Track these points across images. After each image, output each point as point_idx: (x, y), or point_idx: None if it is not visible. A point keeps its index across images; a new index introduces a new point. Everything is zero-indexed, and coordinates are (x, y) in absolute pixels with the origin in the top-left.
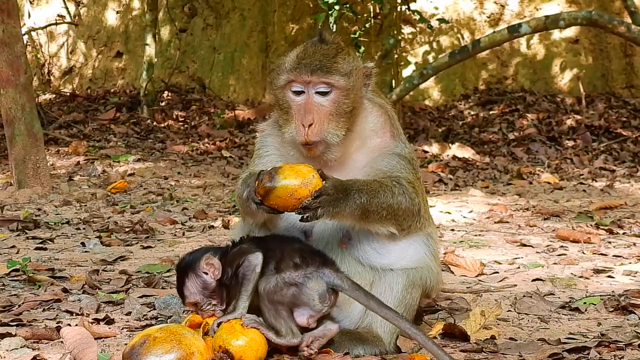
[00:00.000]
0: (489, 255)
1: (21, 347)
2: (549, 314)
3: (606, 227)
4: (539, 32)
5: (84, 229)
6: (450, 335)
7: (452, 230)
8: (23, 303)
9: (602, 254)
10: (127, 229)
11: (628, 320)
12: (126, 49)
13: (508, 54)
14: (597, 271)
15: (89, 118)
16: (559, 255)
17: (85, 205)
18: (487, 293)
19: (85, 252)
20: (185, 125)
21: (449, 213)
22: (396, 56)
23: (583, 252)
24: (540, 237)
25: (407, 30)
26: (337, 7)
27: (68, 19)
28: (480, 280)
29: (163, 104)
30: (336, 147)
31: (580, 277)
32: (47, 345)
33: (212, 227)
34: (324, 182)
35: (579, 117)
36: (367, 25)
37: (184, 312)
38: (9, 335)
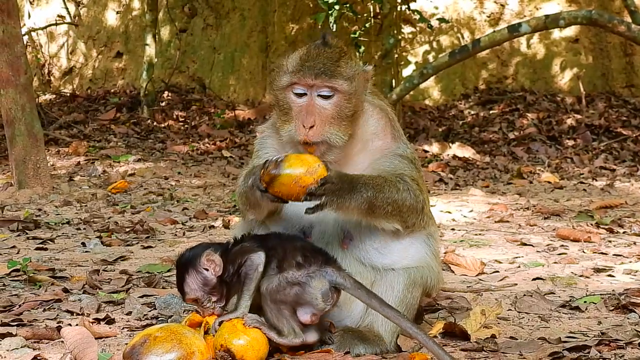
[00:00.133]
0: (490, 255)
1: (22, 347)
2: (550, 313)
3: (606, 226)
4: (539, 31)
5: (84, 229)
6: (451, 334)
7: (453, 229)
8: (24, 303)
9: (602, 253)
10: (127, 229)
11: (628, 319)
12: (126, 49)
13: (508, 53)
14: (598, 270)
15: (89, 118)
16: (560, 254)
17: (86, 206)
18: (488, 292)
19: (86, 252)
20: (186, 126)
21: (449, 212)
22: (396, 56)
23: (583, 251)
24: (540, 236)
25: (407, 29)
26: (337, 7)
27: (68, 20)
28: (480, 280)
29: (163, 104)
30: (338, 149)
31: (581, 276)
32: (47, 345)
33: (212, 227)
34: (328, 172)
35: (579, 116)
36: (367, 25)
37: (184, 311)
38: (10, 335)
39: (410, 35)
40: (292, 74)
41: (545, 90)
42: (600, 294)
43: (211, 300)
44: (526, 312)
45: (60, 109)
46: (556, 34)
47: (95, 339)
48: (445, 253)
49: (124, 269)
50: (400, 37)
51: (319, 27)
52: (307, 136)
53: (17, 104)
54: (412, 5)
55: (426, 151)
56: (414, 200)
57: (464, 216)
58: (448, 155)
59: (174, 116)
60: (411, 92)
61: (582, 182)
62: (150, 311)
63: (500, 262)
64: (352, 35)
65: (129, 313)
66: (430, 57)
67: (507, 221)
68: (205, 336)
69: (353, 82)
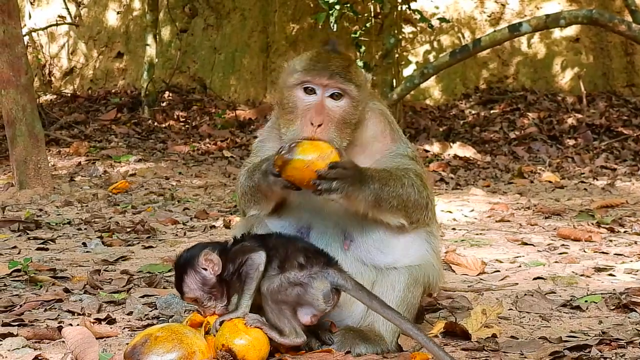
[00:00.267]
0: (490, 254)
1: (23, 347)
2: (550, 312)
3: (607, 226)
4: (539, 31)
5: (85, 229)
6: (452, 333)
7: (454, 229)
8: (25, 303)
9: (603, 253)
10: (128, 229)
11: (629, 318)
12: (127, 49)
13: (509, 53)
14: (598, 269)
15: (90, 119)
16: (560, 253)
17: (87, 206)
18: (489, 292)
19: (87, 252)
20: (187, 126)
21: (450, 212)
22: (397, 55)
23: (584, 251)
24: (541, 235)
25: (407, 29)
26: (337, 7)
27: (69, 20)
28: (481, 279)
29: (164, 104)
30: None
31: (582, 275)
32: (48, 345)
33: (213, 227)
34: (341, 158)
35: (580, 115)
36: (367, 24)
37: (185, 311)
38: (11, 335)
39: (410, 35)
40: (304, 72)
41: (546, 89)
42: (601, 294)
43: (211, 299)
44: (527, 312)
45: (61, 110)
46: (557, 33)
47: (96, 339)
48: (446, 252)
49: (125, 269)
50: (400, 36)
51: (320, 27)
52: (315, 133)
53: (18, 105)
54: (413, 5)
55: (427, 151)
56: (418, 196)
57: (465, 216)
58: (449, 154)
59: (175, 116)
60: (412, 92)
61: (583, 182)
62: (151, 311)
63: (501, 262)
64: (353, 35)
65: (130, 313)
66: (431, 57)
67: (508, 221)
68: (206, 336)
69: (360, 89)
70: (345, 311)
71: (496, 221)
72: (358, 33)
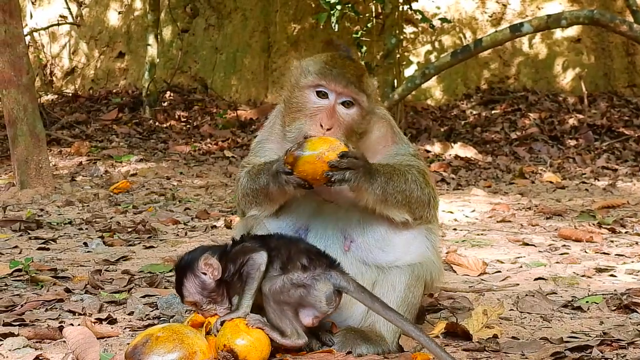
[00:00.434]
0: (492, 255)
1: (24, 347)
2: (552, 313)
3: (608, 226)
4: (540, 31)
5: (86, 229)
6: (453, 334)
7: (455, 229)
8: (26, 303)
9: (604, 253)
10: (129, 229)
11: (630, 319)
12: (128, 49)
13: (510, 53)
14: (600, 270)
15: (91, 118)
16: (562, 254)
17: (88, 206)
18: (490, 292)
19: (88, 252)
20: (188, 126)
21: (451, 212)
22: (398, 56)
23: (585, 251)
24: (542, 236)
25: (409, 29)
26: (339, 7)
27: (70, 20)
28: (482, 280)
29: (165, 104)
30: None
31: (583, 276)
32: (49, 344)
33: (214, 227)
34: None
35: (581, 116)
36: (369, 25)
37: (186, 311)
38: (12, 335)
39: (412, 35)
40: (319, 76)
41: (547, 90)
42: (603, 294)
43: (210, 303)
44: (528, 312)
45: (62, 109)
46: (558, 33)
47: (97, 339)
48: (447, 253)
49: (126, 269)
50: (402, 37)
51: (321, 27)
52: (325, 135)
53: (19, 104)
54: (414, 5)
55: (428, 151)
56: (421, 192)
57: (466, 216)
58: (450, 155)
59: (176, 116)
60: (413, 92)
61: (584, 182)
62: (152, 311)
63: (502, 262)
64: (354, 35)
65: (131, 313)
66: (432, 57)
67: (509, 221)
68: (207, 336)
69: (371, 99)
70: (346, 312)
71: (497, 222)
72: (359, 33)
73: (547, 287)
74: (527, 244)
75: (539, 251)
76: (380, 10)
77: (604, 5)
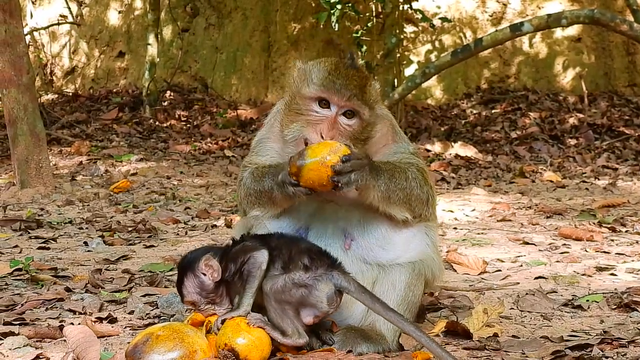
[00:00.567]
0: (492, 254)
1: (24, 346)
2: (552, 312)
3: (609, 225)
4: (541, 30)
5: (86, 228)
6: (453, 333)
7: (455, 228)
8: (26, 302)
9: (604, 252)
10: (129, 228)
11: (631, 317)
12: (128, 48)
13: (510, 52)
14: (600, 269)
15: (91, 118)
16: (562, 253)
17: (88, 205)
18: (490, 291)
19: (88, 251)
20: (188, 125)
21: (451, 211)
22: (398, 55)
23: (586, 250)
24: (542, 235)
25: (409, 29)
26: (339, 6)
27: (70, 19)
28: (482, 278)
29: (165, 103)
30: None
31: (583, 274)
32: (50, 344)
33: (214, 226)
34: (351, 151)
35: (581, 115)
36: (369, 24)
37: (186, 310)
38: (12, 334)
39: (412, 35)
40: (321, 88)
41: (547, 89)
42: (603, 293)
43: (208, 304)
44: (528, 311)
45: (62, 109)
46: (558, 33)
47: (98, 337)
48: (447, 252)
49: (126, 268)
50: (402, 36)
51: (321, 26)
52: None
53: (19, 104)
54: (415, 5)
55: (428, 150)
56: (420, 190)
57: (467, 215)
58: (450, 154)
59: (176, 116)
60: (413, 92)
61: (584, 181)
62: (152, 310)
63: (502, 261)
64: (355, 35)
65: (132, 312)
66: (433, 57)
67: (510, 220)
68: (207, 335)
69: (372, 110)
70: (346, 311)
71: (497, 221)
72: (359, 32)
73: (548, 285)
74: (527, 243)
75: (540, 250)
76: (380, 10)
77: (604, 4)
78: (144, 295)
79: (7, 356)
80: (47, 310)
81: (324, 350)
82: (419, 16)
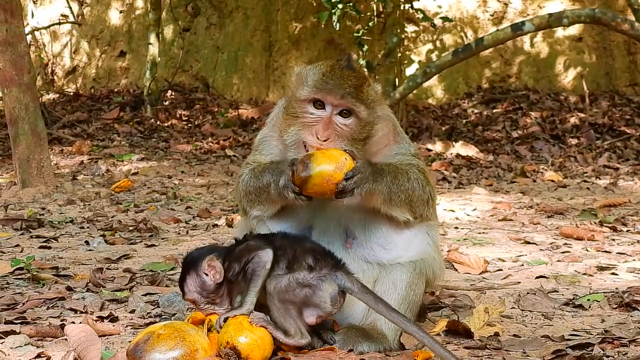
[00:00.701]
0: (493, 253)
1: (25, 345)
2: (553, 311)
3: (610, 225)
4: (542, 30)
5: (87, 227)
6: (454, 332)
7: (456, 228)
8: (27, 301)
9: (605, 252)
10: (131, 228)
11: (632, 317)
12: (129, 48)
13: (511, 52)
14: (601, 268)
15: (92, 117)
16: (563, 252)
17: (89, 204)
18: (491, 290)
19: (89, 250)
20: (189, 125)
21: (452, 211)
22: (399, 55)
23: (587, 250)
24: (544, 234)
25: (410, 28)
26: (340, 6)
27: (71, 19)
28: (483, 278)
29: (166, 103)
30: None
31: (584, 274)
32: (51, 342)
33: (215, 225)
34: (355, 162)
35: (582, 115)
36: (370, 23)
37: (187, 309)
38: (14, 332)
39: (413, 34)
40: (315, 89)
41: (548, 89)
42: (604, 292)
43: (208, 303)
44: (529, 310)
45: (63, 108)
46: (559, 32)
47: (99, 336)
48: (448, 251)
49: (127, 268)
50: (403, 36)
51: (322, 25)
52: (322, 145)
53: (20, 103)
54: (416, 4)
55: (429, 150)
56: (422, 190)
57: (468, 215)
58: (451, 154)
59: (178, 115)
60: (414, 91)
61: (585, 181)
62: (153, 309)
63: (503, 261)
64: (356, 34)
65: (133, 311)
66: (434, 56)
67: (511, 219)
68: (208, 334)
69: (370, 109)
70: (348, 310)
71: (499, 220)
72: (361, 32)
73: (549, 285)
74: (528, 243)
75: (541, 249)
76: (381, 9)
77: (605, 4)
78: (145, 294)
79: (8, 355)
80: (48, 309)
81: (325, 350)
82: (420, 16)
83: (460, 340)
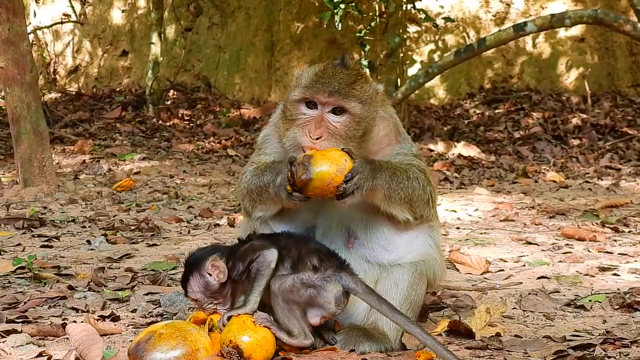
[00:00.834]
0: (495, 253)
1: (27, 344)
2: (554, 312)
3: (612, 226)
4: (544, 30)
5: (89, 227)
6: (456, 332)
7: (458, 228)
8: (29, 300)
9: (607, 252)
10: (132, 227)
11: (633, 317)
12: (132, 47)
13: (514, 52)
14: (603, 269)
15: (94, 117)
16: (565, 253)
17: (91, 204)
18: (493, 291)
19: (91, 249)
20: (191, 124)
21: (454, 211)
22: (402, 55)
23: (588, 250)
24: (545, 235)
25: (412, 29)
26: (342, 6)
27: (74, 18)
28: (485, 278)
29: (168, 102)
30: None
31: (586, 274)
32: (52, 341)
33: (217, 225)
34: (353, 161)
35: (584, 115)
36: (372, 24)
37: (189, 309)
38: (15, 331)
39: (415, 34)
40: (305, 89)
41: (550, 89)
42: (606, 293)
43: (211, 303)
44: (531, 311)
45: (65, 108)
46: (562, 33)
47: (101, 336)
48: (450, 251)
49: (129, 267)
50: (405, 36)
51: (325, 25)
52: (315, 144)
53: (22, 102)
54: (418, 4)
55: (431, 150)
56: (422, 190)
57: (469, 215)
58: (453, 154)
59: (179, 115)
60: (416, 91)
61: (587, 182)
62: (155, 308)
63: (505, 261)
64: (358, 34)
65: (134, 310)
66: (436, 56)
67: (512, 220)
68: (209, 333)
69: (365, 105)
70: (349, 310)
71: (500, 220)
72: (363, 32)
73: (550, 285)
74: (530, 243)
75: (542, 250)
76: (383, 9)
77: (607, 4)
78: (146, 294)
79: (10, 354)
80: (49, 308)
81: (326, 350)
82: (422, 16)
83: (462, 341)
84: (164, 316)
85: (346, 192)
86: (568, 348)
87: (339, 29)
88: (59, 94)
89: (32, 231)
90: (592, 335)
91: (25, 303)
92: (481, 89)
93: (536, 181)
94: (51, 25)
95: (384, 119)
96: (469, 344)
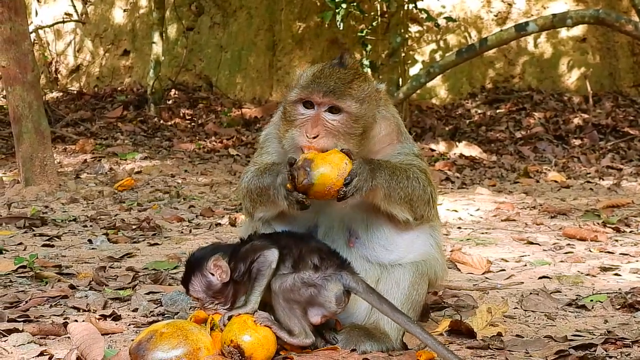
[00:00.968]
0: (496, 253)
1: (28, 343)
2: (556, 311)
3: (613, 226)
4: (546, 30)
5: (91, 226)
6: (457, 332)
7: (459, 228)
8: (30, 299)
9: (608, 252)
10: (134, 226)
11: (635, 317)
12: (133, 47)
13: (515, 52)
14: (604, 269)
15: (96, 116)
16: (566, 253)
17: (92, 203)
18: (494, 290)
19: (92, 249)
20: (192, 124)
21: (455, 211)
22: (403, 54)
23: (590, 250)
24: (547, 235)
25: (414, 28)
26: (344, 6)
27: (75, 17)
28: (486, 278)
29: (170, 102)
30: None
31: (587, 274)
32: (54, 341)
33: (218, 224)
34: (352, 162)
35: (586, 115)
36: (374, 23)
37: (190, 308)
38: (16, 330)
39: (417, 34)
40: (301, 89)
41: (552, 89)
42: (607, 293)
43: (213, 302)
44: (532, 311)
45: (67, 107)
46: (563, 33)
47: (102, 335)
48: (451, 251)
49: (130, 266)
50: (407, 35)
51: (326, 25)
52: (311, 143)
53: (24, 102)
54: (419, 4)
55: (433, 150)
56: (422, 190)
57: (471, 215)
58: (455, 154)
59: (181, 114)
60: (418, 91)
61: (588, 182)
62: (156, 308)
63: (506, 261)
64: (359, 34)
65: (135, 310)
66: (437, 56)
67: (514, 220)
68: (210, 332)
69: (363, 104)
70: (350, 309)
71: (502, 220)
72: (364, 32)
73: (552, 285)
74: (531, 243)
75: (544, 250)
76: (385, 9)
77: (609, 4)
78: (148, 293)
79: (11, 353)
80: (51, 308)
81: (328, 349)
82: (424, 15)
83: (463, 340)
84: (165, 315)
85: (346, 195)
86: (569, 348)
87: (341, 28)
88: (61, 93)
89: (33, 230)
90: (594, 335)
91: (26, 302)
92: (483, 89)
93: (537, 181)
94: (53, 25)
95: (385, 119)
96: (470, 343)
